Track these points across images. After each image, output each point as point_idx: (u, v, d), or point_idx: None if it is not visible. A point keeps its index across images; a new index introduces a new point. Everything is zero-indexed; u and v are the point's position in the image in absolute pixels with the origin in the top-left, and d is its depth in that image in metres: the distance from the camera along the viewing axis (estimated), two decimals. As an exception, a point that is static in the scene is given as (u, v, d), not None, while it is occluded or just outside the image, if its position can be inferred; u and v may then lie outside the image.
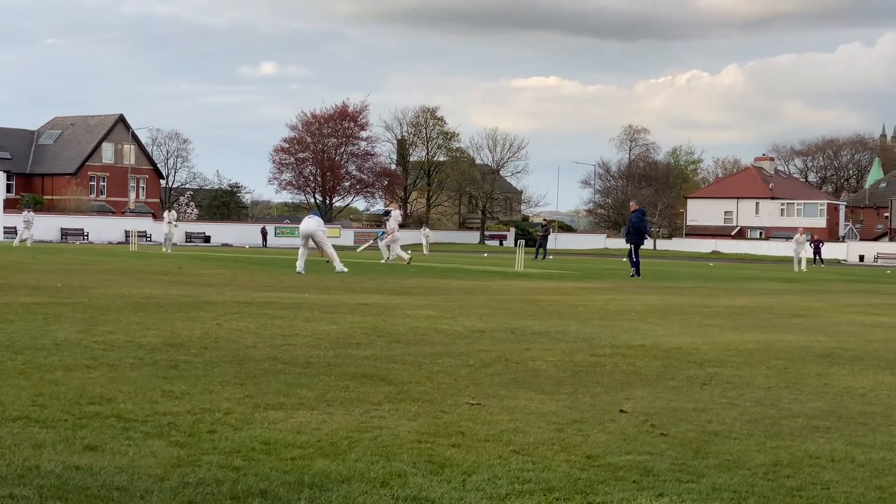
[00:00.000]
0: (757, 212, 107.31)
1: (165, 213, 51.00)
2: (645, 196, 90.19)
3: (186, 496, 4.63)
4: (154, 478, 4.89)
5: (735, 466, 5.58)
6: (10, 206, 78.29)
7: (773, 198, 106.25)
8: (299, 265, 25.26)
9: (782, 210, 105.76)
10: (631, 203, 34.58)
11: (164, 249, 45.64)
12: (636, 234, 30.88)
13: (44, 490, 4.62)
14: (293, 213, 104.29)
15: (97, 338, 10.03)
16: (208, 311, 13.37)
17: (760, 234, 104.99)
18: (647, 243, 65.04)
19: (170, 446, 5.55)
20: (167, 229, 47.83)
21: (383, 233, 40.63)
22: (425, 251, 54.91)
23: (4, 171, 79.41)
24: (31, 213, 55.06)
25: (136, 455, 5.31)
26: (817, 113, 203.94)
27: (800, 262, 47.34)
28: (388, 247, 34.80)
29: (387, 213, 58.04)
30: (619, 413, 7.04)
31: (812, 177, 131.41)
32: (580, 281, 27.21)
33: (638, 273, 30.17)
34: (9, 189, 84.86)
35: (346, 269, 25.54)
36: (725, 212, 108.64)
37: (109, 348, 9.33)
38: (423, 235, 60.23)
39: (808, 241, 48.24)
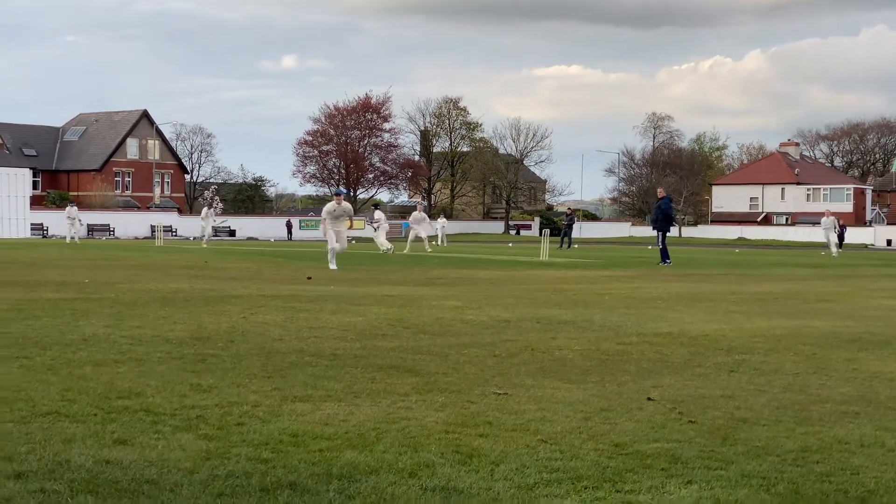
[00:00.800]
0: (783, 197, 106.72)
1: (204, 210, 52.17)
2: (670, 183, 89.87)
3: (216, 489, 4.65)
4: (184, 471, 4.91)
5: (764, 453, 5.56)
6: (37, 202, 78.79)
7: (798, 183, 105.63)
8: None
9: (808, 195, 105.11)
10: (658, 190, 34.53)
11: (203, 244, 46.60)
12: (664, 221, 30.91)
13: (74, 484, 4.64)
14: (318, 206, 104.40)
15: (125, 333, 10.09)
16: (234, 304, 13.42)
17: (786, 219, 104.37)
18: (673, 230, 64.99)
19: (199, 439, 5.57)
20: (205, 225, 49.75)
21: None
22: (442, 243, 54.86)
23: (31, 168, 79.91)
24: (75, 209, 53.93)
25: (165, 448, 5.34)
26: (842, 97, 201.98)
27: (835, 245, 46.54)
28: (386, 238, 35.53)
29: (375, 206, 58.83)
30: (646, 401, 7.03)
31: (838, 161, 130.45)
32: (605, 269, 27.15)
33: (667, 259, 30.18)
34: (35, 186, 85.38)
35: (333, 267, 23.76)
36: (751, 198, 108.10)
37: (137, 343, 9.38)
38: (439, 226, 60.20)
39: (835, 224, 47.52)
